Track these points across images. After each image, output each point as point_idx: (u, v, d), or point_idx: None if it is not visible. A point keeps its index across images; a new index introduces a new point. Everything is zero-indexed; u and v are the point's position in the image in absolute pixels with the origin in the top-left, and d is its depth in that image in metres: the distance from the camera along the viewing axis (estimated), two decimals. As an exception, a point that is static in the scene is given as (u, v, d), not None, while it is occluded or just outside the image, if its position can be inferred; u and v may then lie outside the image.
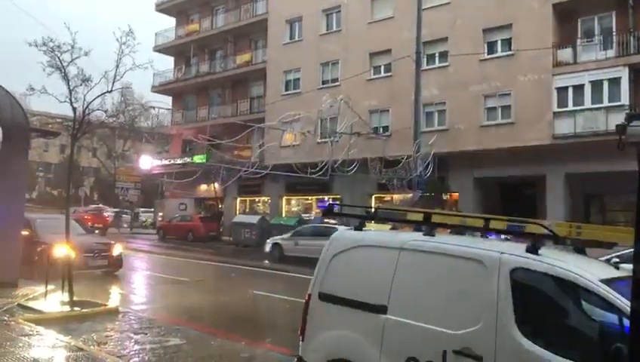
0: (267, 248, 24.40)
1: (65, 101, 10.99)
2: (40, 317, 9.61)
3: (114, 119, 32.54)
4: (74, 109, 11.11)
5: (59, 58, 10.88)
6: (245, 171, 19.50)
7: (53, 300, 10.62)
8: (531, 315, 4.19)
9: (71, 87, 10.93)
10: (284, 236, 24.44)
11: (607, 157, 19.31)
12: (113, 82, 11.14)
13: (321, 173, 19.43)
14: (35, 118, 38.75)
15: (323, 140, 28.79)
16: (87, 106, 11.16)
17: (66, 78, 10.91)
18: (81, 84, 11.07)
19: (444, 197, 25.56)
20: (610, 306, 3.83)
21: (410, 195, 22.53)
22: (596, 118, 20.29)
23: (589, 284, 3.90)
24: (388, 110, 26.65)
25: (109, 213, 42.34)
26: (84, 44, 11.18)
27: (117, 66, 11.03)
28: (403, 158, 21.52)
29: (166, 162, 38.77)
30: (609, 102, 20.25)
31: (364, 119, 22.78)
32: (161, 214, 41.88)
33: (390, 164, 22.86)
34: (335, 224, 23.70)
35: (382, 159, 23.06)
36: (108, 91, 11.34)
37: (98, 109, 12.45)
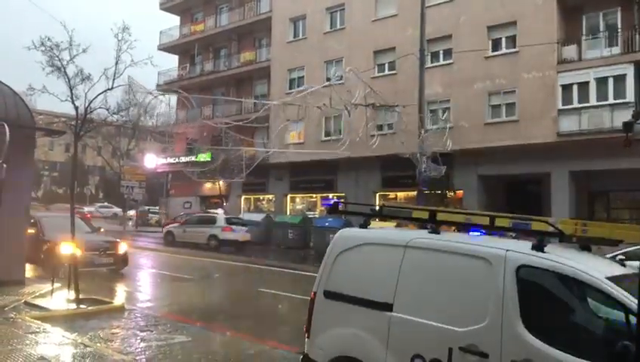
0: (163, 233, 29.25)
1: (66, 100, 11.04)
2: (46, 314, 9.67)
3: (119, 116, 32.54)
4: (76, 108, 11.15)
5: (57, 57, 10.90)
6: (268, 152, 19.44)
7: (59, 298, 10.68)
8: (537, 313, 4.20)
9: (71, 86, 10.96)
10: (176, 224, 29.50)
11: (612, 155, 19.33)
12: (113, 79, 11.17)
13: (344, 147, 19.43)
14: (40, 117, 38.87)
15: (327, 138, 28.87)
16: (88, 104, 11.21)
17: (65, 76, 10.94)
18: (81, 82, 11.10)
19: (448, 194, 25.54)
20: (616, 303, 3.83)
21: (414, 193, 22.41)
22: (601, 115, 20.22)
23: (596, 282, 3.90)
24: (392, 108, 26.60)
25: (114, 210, 42.63)
26: (91, 44, 11.23)
27: (116, 63, 11.06)
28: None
29: (171, 160, 38.89)
30: (614, 99, 20.16)
31: (377, 91, 22.49)
32: (163, 212, 42.02)
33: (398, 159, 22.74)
34: (216, 213, 28.04)
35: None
36: (109, 88, 11.36)
37: (101, 107, 12.48)
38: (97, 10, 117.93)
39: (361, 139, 20.80)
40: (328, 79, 29.46)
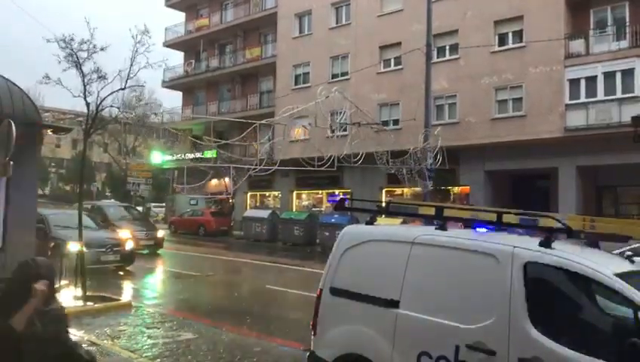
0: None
1: (79, 95, 11.09)
2: (54, 311, 9.69)
3: (127, 114, 32.71)
4: (87, 105, 11.20)
5: (76, 55, 10.96)
6: (254, 169, 19.44)
7: (66, 295, 10.70)
8: (545, 309, 4.17)
9: (85, 83, 11.01)
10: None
11: (620, 150, 19.23)
12: (127, 80, 11.21)
13: (328, 164, 19.33)
14: (47, 114, 39.02)
15: (332, 135, 28.82)
16: (100, 102, 11.25)
17: (81, 73, 11.01)
18: (95, 80, 11.15)
19: (454, 190, 25.47)
20: (624, 300, 3.80)
21: (419, 188, 22.35)
22: (609, 109, 20.07)
23: (604, 278, 3.87)
24: (398, 103, 26.55)
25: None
26: (110, 44, 11.32)
27: (131, 64, 11.09)
28: (410, 149, 21.35)
29: (177, 157, 38.94)
30: (622, 93, 20.00)
31: (365, 111, 22.51)
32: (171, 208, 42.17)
33: (399, 155, 22.75)
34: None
35: (389, 151, 22.91)
36: (121, 88, 11.42)
37: (111, 105, 12.53)
38: (102, 8, 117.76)
39: (345, 158, 20.51)
40: (334, 75, 29.49)
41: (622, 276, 3.89)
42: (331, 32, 30.13)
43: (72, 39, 11.01)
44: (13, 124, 10.26)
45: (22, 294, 3.11)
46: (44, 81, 11.56)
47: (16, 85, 12.73)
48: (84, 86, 10.99)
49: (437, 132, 21.32)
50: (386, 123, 26.76)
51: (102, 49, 11.22)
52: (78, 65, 10.97)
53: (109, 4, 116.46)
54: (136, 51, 11.02)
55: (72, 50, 10.94)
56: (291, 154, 28.84)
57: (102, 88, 11.16)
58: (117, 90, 11.45)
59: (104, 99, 11.23)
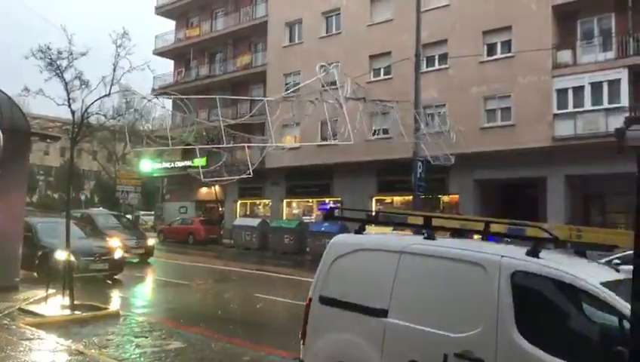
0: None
1: (63, 104, 11.01)
2: (41, 321, 9.61)
3: (116, 121, 32.60)
4: (72, 113, 11.12)
5: (56, 63, 10.89)
6: (271, 149, 19.17)
7: (54, 304, 10.63)
8: (532, 318, 4.19)
9: (68, 90, 10.93)
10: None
11: (607, 159, 19.32)
12: (111, 85, 11.13)
13: (346, 135, 19.28)
14: (35, 122, 38.72)
15: (324, 143, 28.85)
16: (85, 110, 11.18)
17: (63, 81, 10.93)
18: (79, 88, 11.07)
19: (444, 198, 25.56)
20: (610, 309, 3.84)
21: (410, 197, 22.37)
22: (596, 119, 20.29)
23: (590, 287, 3.91)
24: (388, 113, 26.62)
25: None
26: (90, 48, 11.23)
27: (114, 69, 11.01)
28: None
29: (166, 165, 38.81)
30: (609, 103, 20.25)
31: (364, 87, 22.56)
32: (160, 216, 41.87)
33: (391, 164, 22.74)
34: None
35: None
36: (106, 95, 11.32)
37: (97, 113, 12.40)
38: (92, 15, 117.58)
39: (358, 134, 20.47)
40: (327, 84, 29.55)
41: (607, 285, 3.93)
42: (321, 41, 30.25)
43: (49, 48, 10.96)
44: (0, 133, 10.22)
45: None
46: (23, 94, 11.48)
47: (5, 93, 12.72)
48: (68, 94, 10.92)
49: (442, 112, 21.09)
50: (375, 132, 26.86)
51: (83, 54, 11.15)
52: (59, 74, 10.90)
53: (99, 13, 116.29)
54: (118, 55, 10.95)
55: (50, 58, 10.88)
56: (282, 162, 28.91)
57: (86, 95, 11.10)
58: (102, 97, 11.36)
59: (89, 106, 11.17)
